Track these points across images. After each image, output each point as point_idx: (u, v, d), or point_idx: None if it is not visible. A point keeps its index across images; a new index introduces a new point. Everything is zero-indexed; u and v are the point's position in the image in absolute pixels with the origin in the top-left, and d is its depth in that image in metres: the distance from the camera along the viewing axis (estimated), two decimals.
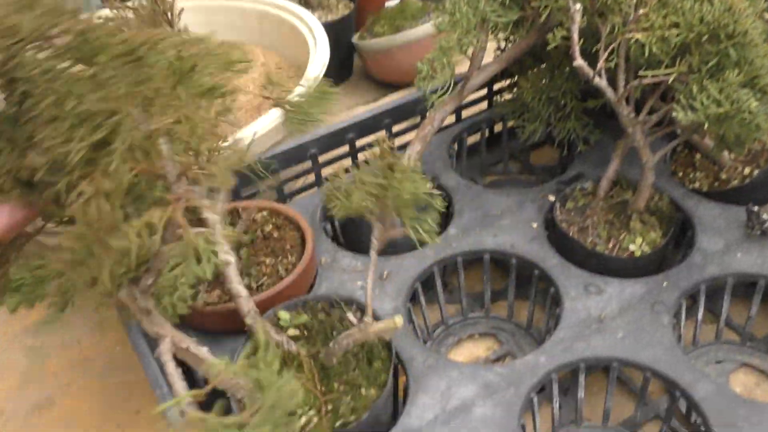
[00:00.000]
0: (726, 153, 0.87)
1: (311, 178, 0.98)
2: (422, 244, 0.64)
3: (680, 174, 0.91)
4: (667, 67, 0.73)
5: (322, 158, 0.96)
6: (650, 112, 0.80)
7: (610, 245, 0.81)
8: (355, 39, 1.33)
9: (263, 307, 0.73)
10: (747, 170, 0.86)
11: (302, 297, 0.75)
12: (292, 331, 0.71)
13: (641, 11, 0.74)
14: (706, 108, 0.68)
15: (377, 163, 0.65)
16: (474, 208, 0.89)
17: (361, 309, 0.75)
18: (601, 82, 0.76)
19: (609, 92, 0.77)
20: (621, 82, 0.77)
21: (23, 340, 0.94)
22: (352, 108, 1.33)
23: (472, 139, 1.05)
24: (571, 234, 0.82)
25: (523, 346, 0.83)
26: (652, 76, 0.73)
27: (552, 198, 0.89)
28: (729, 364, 0.79)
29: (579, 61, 0.75)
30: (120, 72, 0.39)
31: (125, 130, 0.39)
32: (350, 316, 0.74)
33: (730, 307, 0.80)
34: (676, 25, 0.71)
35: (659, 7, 0.73)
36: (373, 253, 0.61)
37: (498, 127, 1.09)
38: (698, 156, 0.92)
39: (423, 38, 1.25)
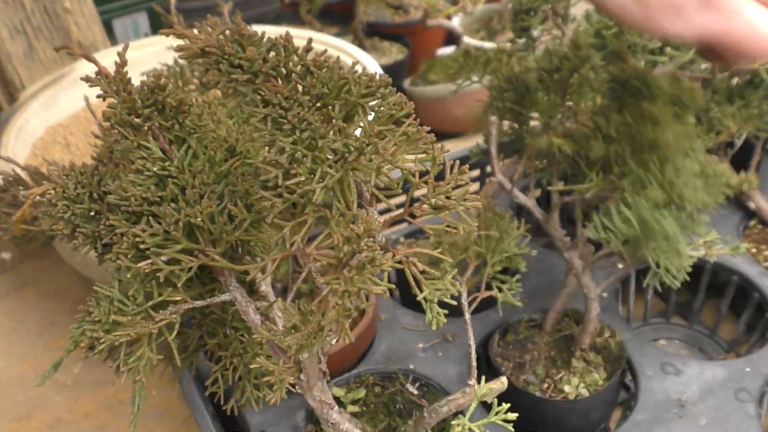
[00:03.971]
0: None
1: None
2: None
3: (754, 251, 0.87)
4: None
5: None
6: None
7: (545, 385, 0.71)
8: (407, 84, 1.31)
9: None
10: None
11: (354, 371, 0.71)
12: (351, 408, 0.67)
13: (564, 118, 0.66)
14: (619, 228, 0.58)
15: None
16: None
17: (417, 379, 0.71)
18: (526, 199, 0.67)
19: (537, 212, 0.68)
20: (554, 200, 0.68)
21: (55, 377, 0.90)
22: None
23: None
24: (503, 370, 0.72)
25: None
26: (568, 193, 0.64)
27: None
28: None
29: (498, 176, 0.68)
30: None
31: None
32: (410, 387, 0.70)
33: None
34: (603, 135, 0.61)
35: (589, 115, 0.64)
36: (467, 317, 0.58)
37: None
38: None
39: (478, 89, 1.22)
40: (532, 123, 0.69)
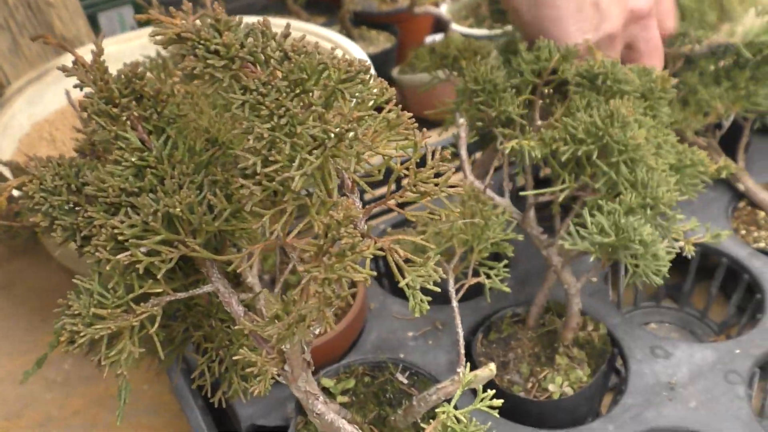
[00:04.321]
0: None
1: None
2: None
3: (743, 232, 0.87)
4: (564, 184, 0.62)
5: None
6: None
7: (530, 385, 0.70)
8: (395, 73, 1.30)
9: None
10: None
11: (343, 362, 0.71)
12: (341, 398, 0.67)
13: (539, 122, 0.66)
14: (593, 236, 0.56)
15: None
16: None
17: (407, 368, 0.71)
18: (501, 200, 0.66)
19: (512, 212, 0.67)
20: (530, 200, 0.67)
21: (45, 374, 0.89)
22: None
23: None
24: None
25: None
26: (540, 195, 0.64)
27: None
28: None
29: (470, 178, 0.66)
30: None
31: None
32: (400, 376, 0.70)
33: None
34: (571, 137, 0.60)
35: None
36: (454, 304, 0.57)
37: None
38: (762, 214, 0.88)
39: None
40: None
